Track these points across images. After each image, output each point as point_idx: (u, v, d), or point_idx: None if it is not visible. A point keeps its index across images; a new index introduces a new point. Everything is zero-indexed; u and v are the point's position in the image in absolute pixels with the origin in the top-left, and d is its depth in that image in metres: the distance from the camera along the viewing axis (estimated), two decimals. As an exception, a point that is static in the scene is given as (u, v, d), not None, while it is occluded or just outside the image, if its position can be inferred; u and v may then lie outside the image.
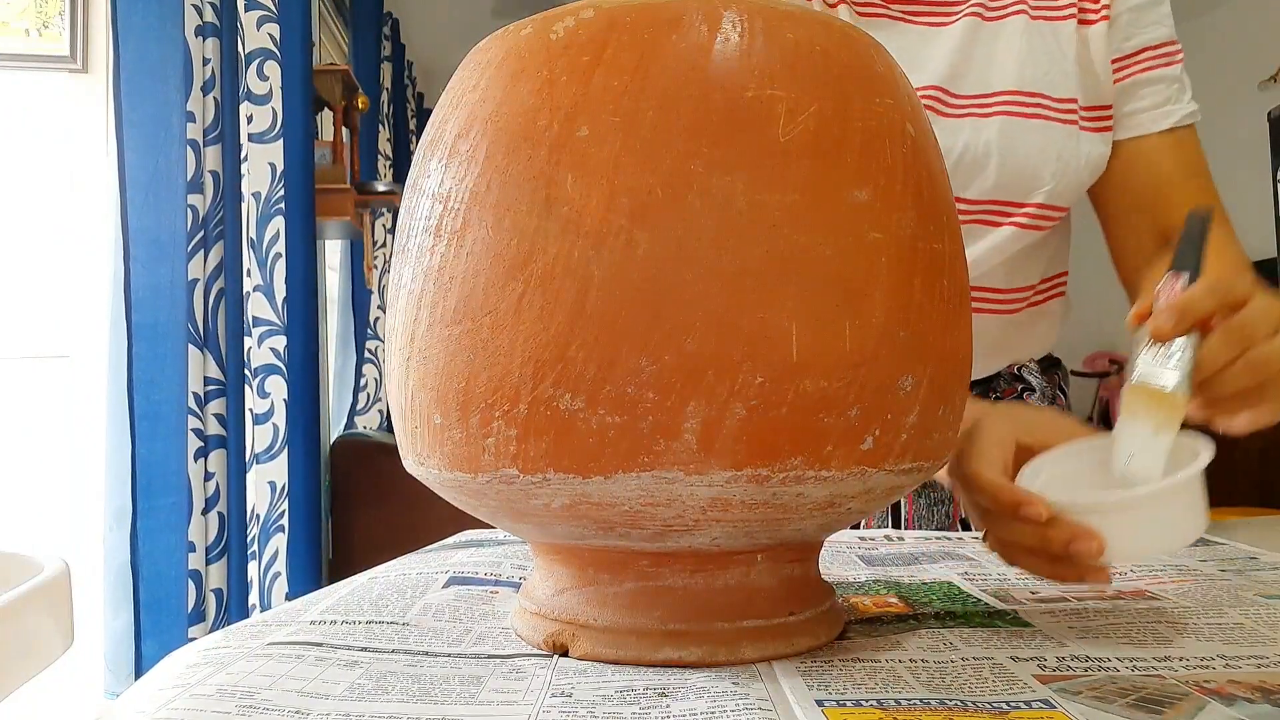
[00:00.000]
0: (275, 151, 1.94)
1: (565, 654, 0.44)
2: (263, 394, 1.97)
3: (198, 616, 1.68)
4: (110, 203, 1.62)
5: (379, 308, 3.24)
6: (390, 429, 3.25)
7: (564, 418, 0.38)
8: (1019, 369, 0.88)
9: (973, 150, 0.80)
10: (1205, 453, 0.47)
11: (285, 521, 1.98)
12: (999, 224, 0.81)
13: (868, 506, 0.44)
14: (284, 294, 1.97)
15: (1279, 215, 3.76)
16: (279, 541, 1.97)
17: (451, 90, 0.45)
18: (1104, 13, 0.82)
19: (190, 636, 1.66)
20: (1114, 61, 0.83)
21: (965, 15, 0.83)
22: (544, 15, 0.43)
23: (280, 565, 1.97)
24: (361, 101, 2.74)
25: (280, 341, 1.95)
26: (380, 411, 3.29)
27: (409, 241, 0.44)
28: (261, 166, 1.91)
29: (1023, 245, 0.83)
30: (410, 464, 0.46)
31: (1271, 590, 0.54)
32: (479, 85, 0.43)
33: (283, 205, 1.96)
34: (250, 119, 1.95)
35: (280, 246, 1.94)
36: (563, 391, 0.37)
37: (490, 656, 0.44)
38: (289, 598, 1.96)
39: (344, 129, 2.62)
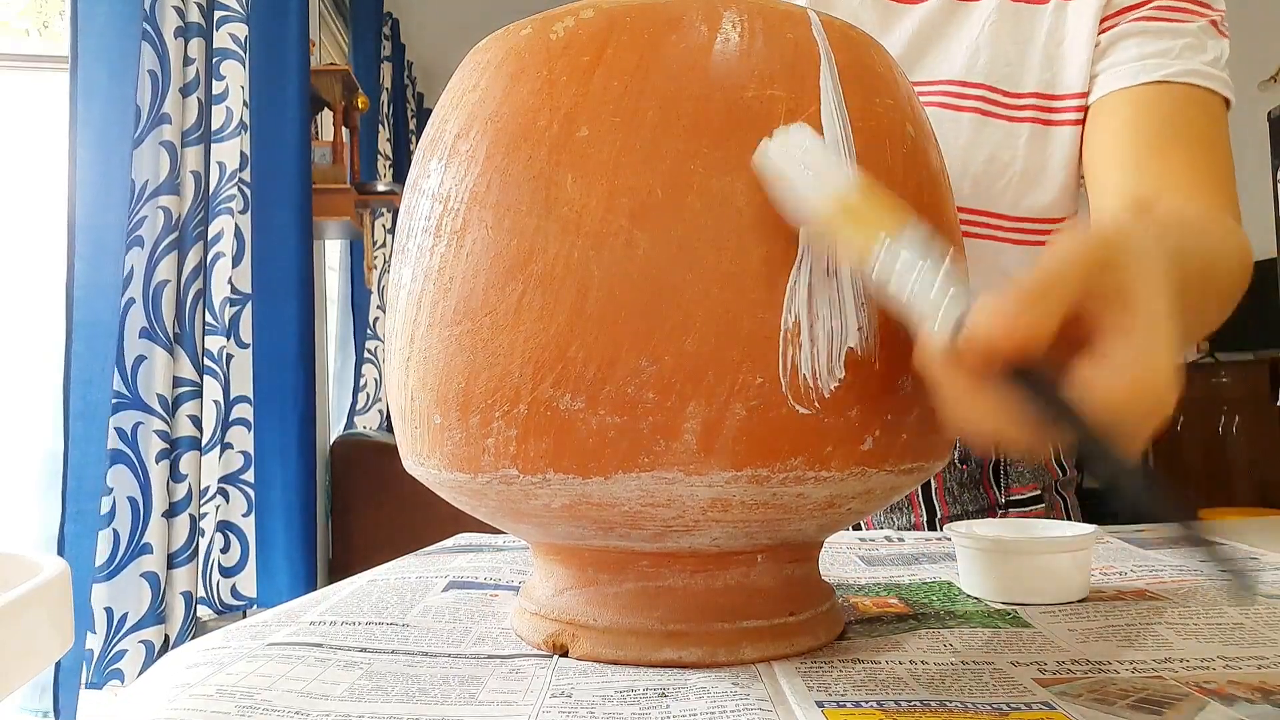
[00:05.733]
0: (226, 150, 1.93)
1: (565, 654, 0.44)
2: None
3: (153, 619, 1.65)
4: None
5: (379, 308, 3.24)
6: (390, 429, 3.25)
7: (564, 418, 0.38)
8: None
9: None
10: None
11: (202, 525, 1.95)
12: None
13: (868, 507, 0.44)
14: (224, 293, 1.95)
15: (1279, 215, 3.76)
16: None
17: (451, 90, 0.45)
18: None
19: (143, 640, 1.63)
20: (1103, 21, 0.69)
21: None
22: (544, 15, 0.42)
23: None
24: (361, 101, 2.74)
25: (215, 342, 1.93)
26: (380, 411, 3.29)
27: (409, 241, 0.44)
28: (211, 165, 1.90)
29: (983, 262, 0.69)
30: (410, 464, 0.46)
31: (1271, 590, 0.54)
32: (479, 85, 0.43)
33: (233, 205, 1.94)
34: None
35: (221, 246, 1.93)
36: (563, 392, 0.37)
37: (490, 657, 0.44)
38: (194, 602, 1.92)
39: (344, 129, 2.62)
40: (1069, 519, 0.85)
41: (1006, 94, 0.72)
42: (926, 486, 0.82)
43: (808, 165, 0.36)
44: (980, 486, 0.82)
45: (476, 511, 0.45)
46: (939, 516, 0.82)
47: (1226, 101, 0.67)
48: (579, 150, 0.38)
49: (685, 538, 0.41)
